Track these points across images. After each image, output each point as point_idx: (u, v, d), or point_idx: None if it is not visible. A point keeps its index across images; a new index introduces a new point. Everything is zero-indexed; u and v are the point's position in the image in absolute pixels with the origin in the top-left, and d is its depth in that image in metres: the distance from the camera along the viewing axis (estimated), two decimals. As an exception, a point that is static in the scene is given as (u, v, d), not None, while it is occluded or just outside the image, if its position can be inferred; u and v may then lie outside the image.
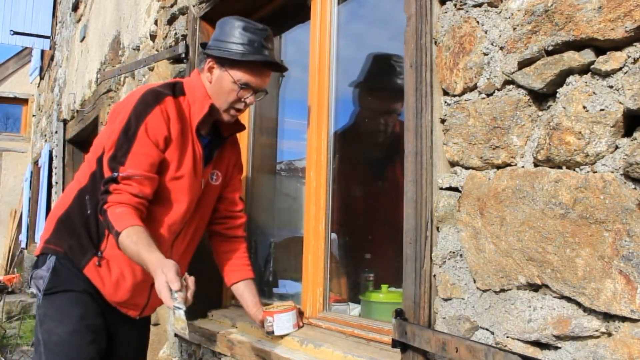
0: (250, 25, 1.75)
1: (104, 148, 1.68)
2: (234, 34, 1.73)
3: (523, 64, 1.13)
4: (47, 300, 1.68)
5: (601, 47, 1.01)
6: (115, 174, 1.58)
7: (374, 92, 2.36)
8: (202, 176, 1.79)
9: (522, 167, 1.14)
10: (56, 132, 6.31)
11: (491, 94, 1.21)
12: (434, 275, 1.32)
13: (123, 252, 1.54)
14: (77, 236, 1.70)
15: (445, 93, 1.34)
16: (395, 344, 1.35)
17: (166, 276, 1.36)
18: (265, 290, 2.42)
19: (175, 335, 2.44)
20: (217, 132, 1.86)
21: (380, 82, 2.31)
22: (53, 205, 1.92)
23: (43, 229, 1.82)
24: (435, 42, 1.36)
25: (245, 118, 2.37)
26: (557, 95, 1.08)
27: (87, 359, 1.67)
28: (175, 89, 1.73)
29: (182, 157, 1.71)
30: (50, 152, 6.68)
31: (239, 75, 1.71)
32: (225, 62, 1.72)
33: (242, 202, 2.02)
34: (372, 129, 2.36)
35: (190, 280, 1.40)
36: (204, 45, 1.82)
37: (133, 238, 1.50)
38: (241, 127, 1.96)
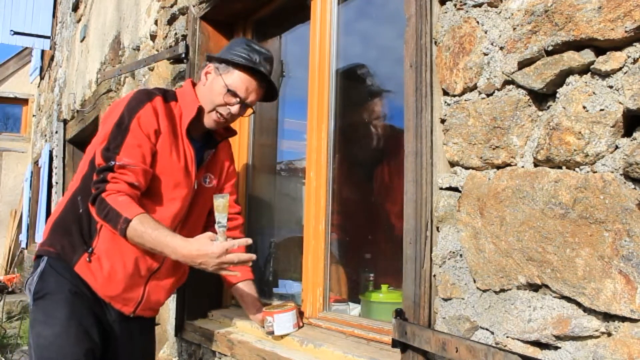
0: (254, 45, 1.87)
1: (95, 151, 1.71)
2: (238, 47, 1.84)
3: (523, 64, 1.13)
4: (36, 305, 1.70)
5: (601, 47, 1.01)
6: (112, 163, 1.61)
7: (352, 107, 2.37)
8: (195, 177, 1.83)
9: (522, 167, 1.14)
10: (56, 132, 6.30)
11: (491, 94, 1.21)
12: (434, 275, 1.32)
13: (133, 238, 1.58)
14: (69, 235, 1.72)
15: (445, 93, 1.34)
16: (395, 344, 1.35)
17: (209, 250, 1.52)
18: (265, 290, 2.42)
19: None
20: (209, 138, 1.92)
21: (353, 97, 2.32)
22: (53, 205, 1.94)
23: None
24: (435, 42, 1.36)
25: (246, 118, 2.37)
26: (557, 95, 1.08)
27: None
28: (166, 94, 1.81)
29: (172, 153, 1.75)
30: (51, 152, 6.67)
31: (230, 80, 1.79)
32: (221, 68, 1.82)
33: (238, 205, 2.04)
34: (363, 136, 2.37)
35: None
36: (209, 57, 1.91)
37: (151, 224, 1.56)
38: (233, 132, 2.04)
